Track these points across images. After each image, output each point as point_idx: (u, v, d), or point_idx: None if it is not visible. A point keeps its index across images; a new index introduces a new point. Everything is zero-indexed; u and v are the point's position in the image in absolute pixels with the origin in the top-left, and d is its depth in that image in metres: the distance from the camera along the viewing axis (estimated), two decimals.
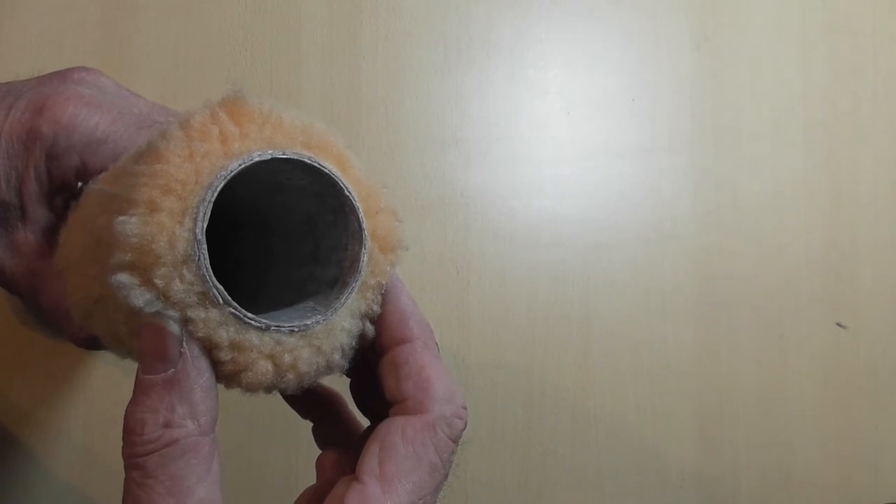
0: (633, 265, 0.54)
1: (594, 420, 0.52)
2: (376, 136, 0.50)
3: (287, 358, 0.23)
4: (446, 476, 0.24)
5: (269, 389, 0.23)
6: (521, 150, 0.52)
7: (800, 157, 0.58)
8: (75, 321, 0.26)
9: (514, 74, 0.53)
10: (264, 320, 0.22)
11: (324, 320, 0.23)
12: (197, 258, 0.21)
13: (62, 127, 0.26)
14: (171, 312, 0.21)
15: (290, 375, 0.23)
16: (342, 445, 0.28)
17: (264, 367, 0.22)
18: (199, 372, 0.22)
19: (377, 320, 0.25)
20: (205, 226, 0.21)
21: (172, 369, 0.21)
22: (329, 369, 0.24)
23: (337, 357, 0.24)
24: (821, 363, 0.57)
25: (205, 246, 0.21)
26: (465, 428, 0.25)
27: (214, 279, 0.21)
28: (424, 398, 0.25)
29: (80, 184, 0.28)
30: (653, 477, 0.53)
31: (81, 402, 0.45)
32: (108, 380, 0.45)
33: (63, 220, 0.27)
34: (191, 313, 0.21)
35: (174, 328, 0.21)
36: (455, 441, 0.24)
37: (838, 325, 0.57)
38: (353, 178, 0.24)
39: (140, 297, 0.21)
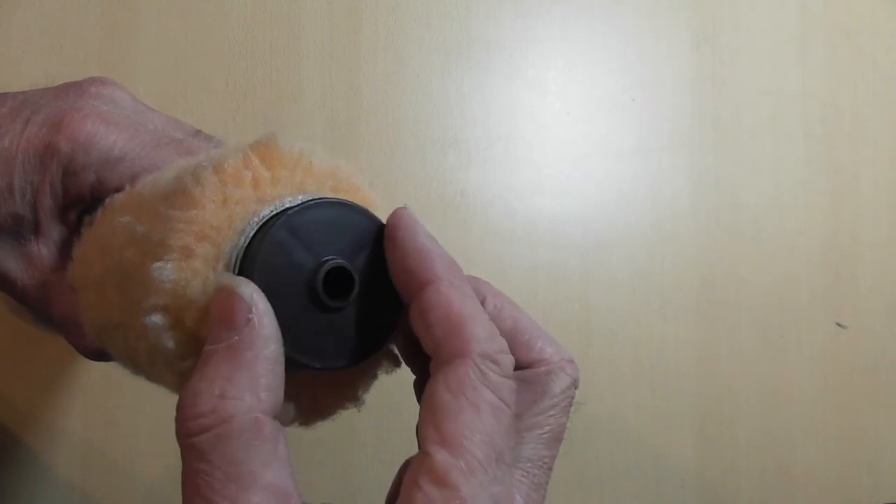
0: (633, 265, 0.54)
1: (594, 420, 0.52)
2: (376, 136, 0.50)
3: (308, 398, 0.23)
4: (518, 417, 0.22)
5: (289, 425, 0.24)
6: (521, 150, 0.52)
7: (800, 157, 0.58)
8: (87, 335, 0.27)
9: (514, 74, 0.53)
10: (294, 361, 0.22)
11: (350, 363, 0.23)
12: None
13: (80, 144, 0.26)
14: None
15: (314, 416, 0.24)
16: None
17: (286, 408, 0.22)
18: (265, 341, 0.20)
19: (395, 268, 0.23)
20: (238, 272, 0.21)
21: (237, 337, 0.20)
22: (348, 405, 0.25)
23: (359, 393, 0.25)
24: (821, 363, 0.57)
25: None
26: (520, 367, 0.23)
27: None
28: (459, 341, 0.21)
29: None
30: (653, 477, 0.53)
31: (81, 400, 0.45)
32: (108, 378, 0.45)
33: (76, 234, 0.28)
34: None
35: (245, 291, 0.20)
36: (509, 377, 0.22)
37: (838, 325, 0.57)
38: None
39: (170, 340, 0.21)
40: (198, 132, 0.30)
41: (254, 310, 0.20)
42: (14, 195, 0.26)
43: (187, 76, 0.47)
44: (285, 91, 0.48)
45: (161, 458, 0.45)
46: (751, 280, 0.56)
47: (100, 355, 0.27)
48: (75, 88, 0.29)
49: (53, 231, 0.28)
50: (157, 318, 0.21)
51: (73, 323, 0.27)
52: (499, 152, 0.52)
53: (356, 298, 0.22)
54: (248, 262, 0.21)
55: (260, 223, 0.22)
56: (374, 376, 0.25)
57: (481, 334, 0.21)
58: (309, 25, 0.49)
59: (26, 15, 0.45)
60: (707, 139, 0.56)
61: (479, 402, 0.21)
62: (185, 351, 0.21)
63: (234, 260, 0.21)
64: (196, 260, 0.21)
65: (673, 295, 0.54)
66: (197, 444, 0.19)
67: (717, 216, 0.56)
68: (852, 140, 0.59)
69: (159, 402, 0.45)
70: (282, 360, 0.20)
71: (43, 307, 0.28)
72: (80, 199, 0.27)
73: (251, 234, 0.22)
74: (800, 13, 0.58)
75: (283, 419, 0.23)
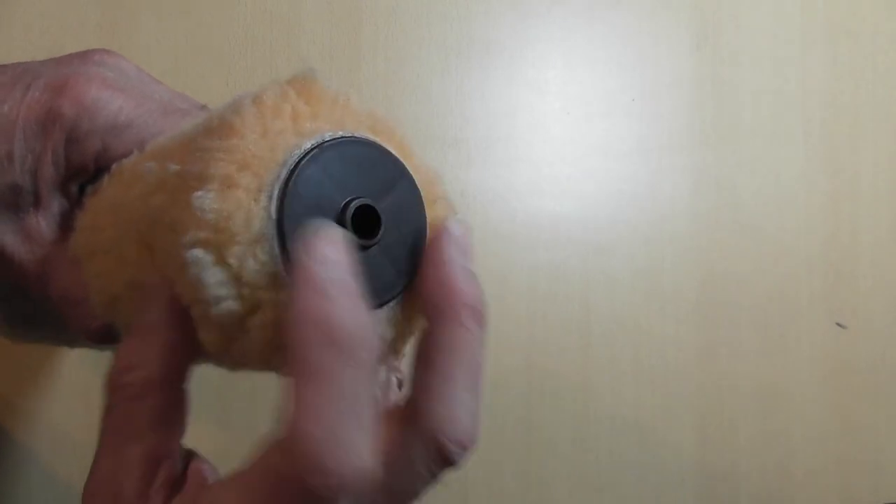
0: (633, 265, 0.54)
1: (594, 420, 0.52)
2: None
3: None
4: None
5: None
6: (521, 150, 0.52)
7: (800, 157, 0.58)
8: (91, 310, 0.26)
9: (514, 74, 0.53)
10: None
11: (387, 306, 0.23)
12: (271, 238, 0.20)
13: (85, 109, 0.25)
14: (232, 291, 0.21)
15: None
16: None
17: None
18: (162, 329, 0.22)
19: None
20: (279, 205, 0.20)
21: (146, 320, 0.23)
22: (387, 356, 0.24)
23: (401, 345, 0.24)
24: (821, 363, 0.57)
25: (277, 225, 0.20)
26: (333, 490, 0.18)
27: (287, 260, 0.20)
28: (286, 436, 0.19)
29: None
30: (653, 477, 0.53)
31: (80, 400, 0.45)
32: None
33: (78, 206, 0.27)
34: (261, 294, 0.20)
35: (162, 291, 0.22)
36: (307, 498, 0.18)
37: (838, 325, 0.57)
38: (414, 166, 0.24)
39: (213, 276, 0.20)
40: (203, 106, 0.29)
41: (156, 305, 0.22)
42: (14, 164, 0.25)
43: (187, 76, 0.47)
44: None
45: None
46: (751, 280, 0.56)
47: (104, 336, 0.27)
48: (78, 56, 0.27)
49: (54, 203, 0.26)
50: (198, 253, 0.20)
51: (75, 301, 0.26)
52: (499, 152, 0.52)
53: (380, 241, 0.22)
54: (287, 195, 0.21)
55: (302, 155, 0.21)
56: (411, 329, 0.24)
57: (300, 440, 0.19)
58: (309, 25, 0.49)
59: (26, 15, 0.45)
60: (707, 139, 0.56)
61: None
62: (225, 291, 0.20)
63: (276, 192, 0.20)
64: (238, 190, 0.20)
65: (673, 295, 0.54)
66: (106, 397, 0.23)
67: (717, 216, 0.56)
68: (852, 140, 0.59)
69: None
70: (180, 346, 0.23)
71: (41, 285, 0.27)
72: (83, 168, 0.26)
73: (293, 166, 0.21)
74: (800, 13, 0.58)
75: None
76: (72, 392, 0.45)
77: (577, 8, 0.54)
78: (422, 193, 0.24)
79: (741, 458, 0.55)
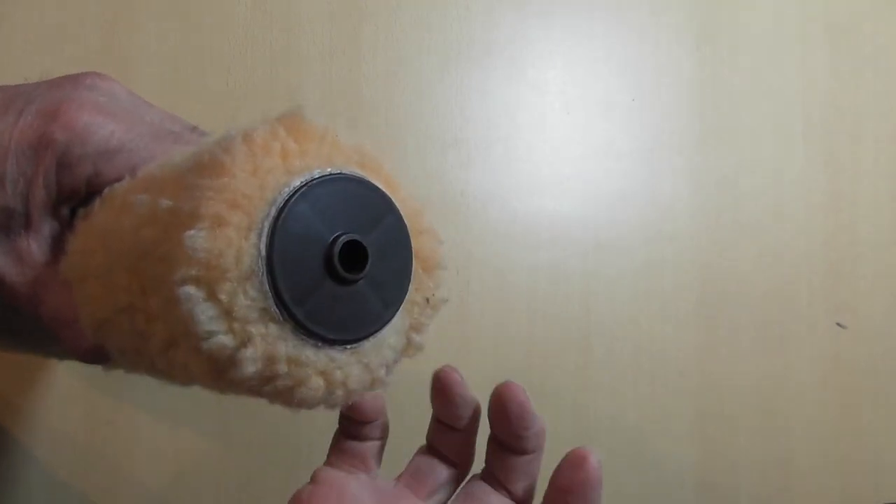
0: (633, 265, 0.54)
1: (594, 420, 0.52)
2: (376, 136, 0.50)
3: (338, 375, 0.23)
4: None
5: (315, 406, 0.23)
6: (521, 150, 0.52)
7: (800, 157, 0.58)
8: (82, 332, 0.26)
9: (514, 74, 0.53)
10: (320, 337, 0.22)
11: (373, 337, 0.23)
12: (260, 274, 0.21)
13: (76, 134, 0.26)
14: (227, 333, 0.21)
15: (339, 392, 0.23)
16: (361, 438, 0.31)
17: (317, 383, 0.22)
18: None
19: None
20: (269, 242, 0.21)
21: None
22: (373, 386, 0.24)
23: (382, 374, 0.24)
24: (821, 363, 0.57)
25: (266, 262, 0.21)
26: None
27: (276, 296, 0.21)
28: None
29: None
30: (653, 477, 0.53)
31: (81, 400, 0.45)
32: (108, 378, 0.45)
33: (69, 229, 0.27)
34: (251, 328, 0.21)
35: None
36: None
37: (838, 325, 0.57)
38: (400, 199, 0.25)
39: (204, 312, 0.21)
40: (194, 128, 0.30)
41: None
42: (5, 187, 0.26)
43: (187, 76, 0.47)
44: (285, 91, 0.48)
45: (161, 457, 0.45)
46: (751, 280, 0.56)
47: (96, 356, 0.27)
48: (70, 80, 0.28)
49: (45, 226, 0.27)
50: (190, 290, 0.21)
51: (66, 322, 0.26)
52: (499, 152, 0.52)
53: (367, 275, 0.23)
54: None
55: (291, 193, 0.22)
56: (397, 357, 0.25)
57: None
58: (309, 25, 0.49)
59: (26, 15, 0.45)
60: (707, 139, 0.56)
61: None
62: (217, 326, 0.21)
63: (265, 229, 0.21)
64: (229, 228, 0.21)
65: (673, 295, 0.54)
66: None
67: (717, 216, 0.56)
68: (852, 140, 0.59)
69: (158, 402, 0.45)
70: None
71: (32, 306, 0.27)
72: (74, 192, 0.27)
73: (282, 204, 0.21)
74: (800, 13, 0.58)
75: (311, 399, 0.22)
76: (71, 393, 0.45)
77: (577, 8, 0.54)
78: (408, 225, 0.24)
79: (741, 458, 0.55)
